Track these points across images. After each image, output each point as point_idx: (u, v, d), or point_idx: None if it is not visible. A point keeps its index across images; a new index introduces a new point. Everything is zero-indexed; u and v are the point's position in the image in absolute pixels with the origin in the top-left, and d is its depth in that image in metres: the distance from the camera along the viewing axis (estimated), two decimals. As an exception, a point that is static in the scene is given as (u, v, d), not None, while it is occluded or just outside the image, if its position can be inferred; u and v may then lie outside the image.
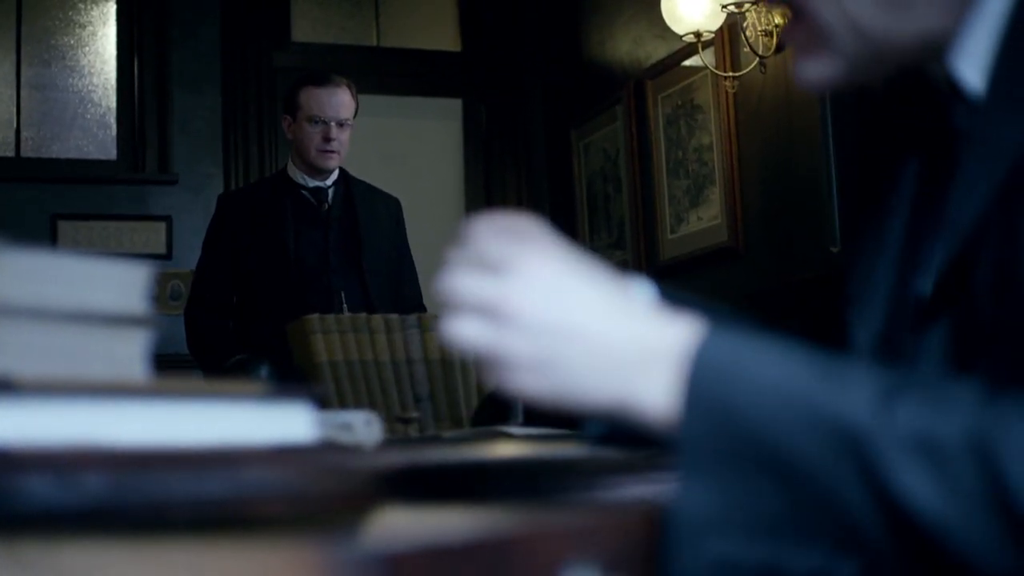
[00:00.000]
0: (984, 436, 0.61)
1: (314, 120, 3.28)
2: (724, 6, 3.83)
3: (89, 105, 4.95)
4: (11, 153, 4.83)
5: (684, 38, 4.02)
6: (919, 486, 0.61)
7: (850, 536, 0.62)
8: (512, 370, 0.69)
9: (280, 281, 3.27)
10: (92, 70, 4.96)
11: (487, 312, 0.69)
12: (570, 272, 0.70)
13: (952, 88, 0.81)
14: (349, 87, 3.34)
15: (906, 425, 0.62)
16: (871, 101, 0.98)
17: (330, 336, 2.23)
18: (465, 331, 0.70)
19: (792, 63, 0.86)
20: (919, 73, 0.85)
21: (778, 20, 3.78)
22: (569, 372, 0.69)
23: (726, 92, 4.04)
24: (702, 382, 0.65)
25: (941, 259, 0.79)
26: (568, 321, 0.68)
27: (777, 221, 3.84)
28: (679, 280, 4.37)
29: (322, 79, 3.33)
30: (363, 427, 1.04)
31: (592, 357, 0.68)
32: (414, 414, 2.14)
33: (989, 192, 0.74)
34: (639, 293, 0.92)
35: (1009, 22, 0.78)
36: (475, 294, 0.70)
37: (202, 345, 3.32)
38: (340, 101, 3.30)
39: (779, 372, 0.64)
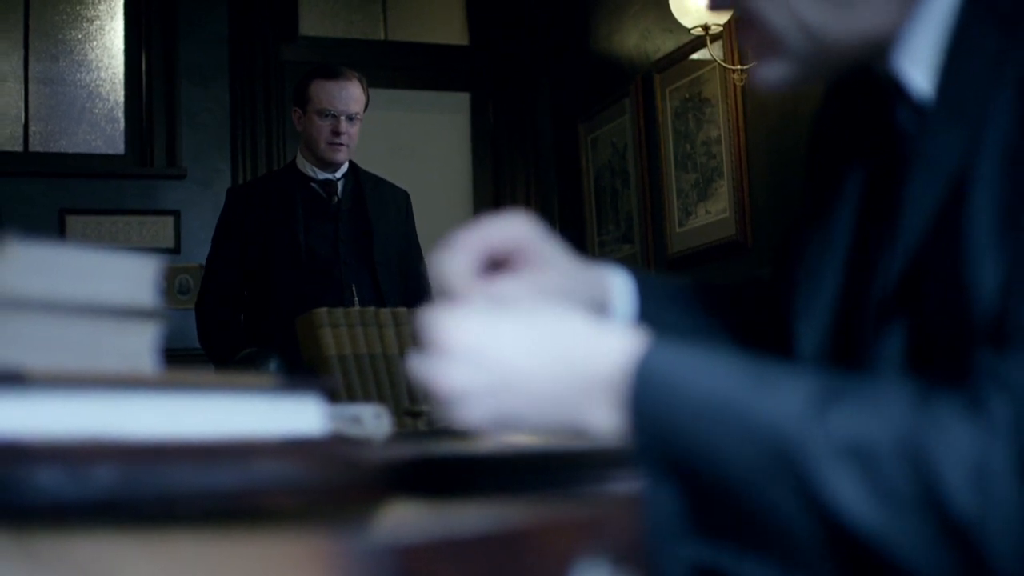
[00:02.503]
0: (916, 440, 0.62)
1: (324, 113, 3.28)
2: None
3: (97, 99, 4.95)
4: (19, 148, 4.84)
5: (692, 31, 4.02)
6: (850, 494, 0.61)
7: (791, 548, 0.63)
8: (461, 404, 0.71)
9: (291, 274, 3.27)
10: (100, 64, 4.96)
11: (433, 347, 0.72)
12: (491, 325, 0.72)
13: (897, 88, 0.82)
14: (360, 81, 3.34)
15: (837, 431, 0.63)
16: (821, 106, 0.99)
17: (339, 330, 2.23)
18: (416, 367, 0.72)
19: (751, 68, 0.87)
20: (867, 74, 0.86)
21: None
22: (515, 419, 0.71)
23: (734, 85, 4.03)
24: (642, 400, 0.67)
25: (895, 268, 0.78)
26: (499, 376, 0.70)
27: (785, 215, 3.84)
28: (687, 274, 4.37)
29: (333, 72, 3.32)
30: (372, 420, 1.05)
31: (534, 397, 0.70)
32: (423, 407, 2.14)
33: (935, 204, 0.75)
34: (614, 281, 0.93)
35: (955, 25, 0.78)
36: (419, 376, 0.72)
37: (214, 339, 3.32)
38: (351, 95, 3.30)
39: (714, 384, 0.66)
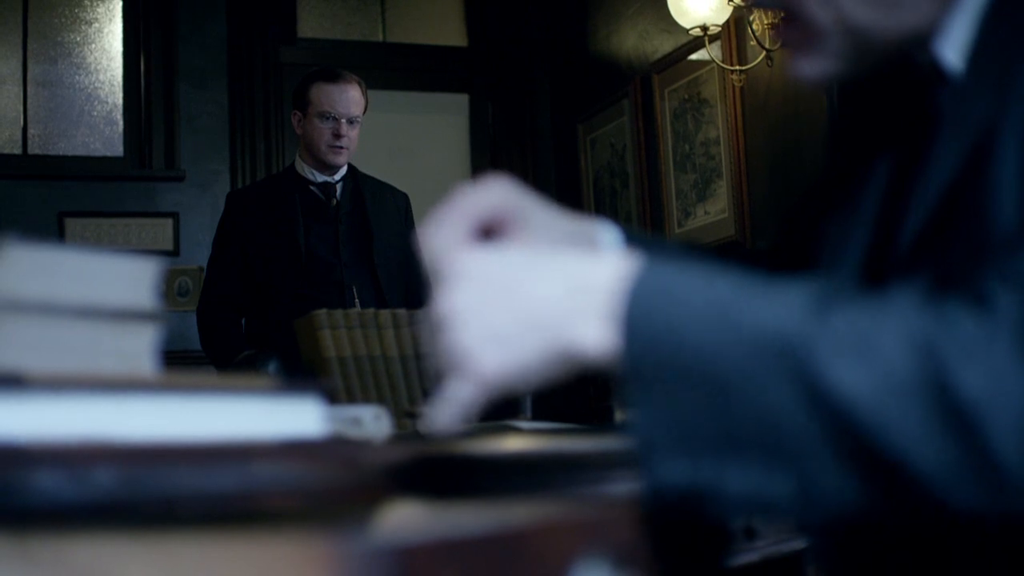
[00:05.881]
0: (921, 331, 0.62)
1: (324, 116, 3.29)
2: (730, 0, 3.82)
3: (96, 102, 4.95)
4: (18, 151, 4.84)
5: (691, 32, 4.02)
6: (852, 381, 0.61)
7: (784, 446, 0.63)
8: (455, 323, 0.71)
9: (292, 276, 3.27)
10: (98, 67, 4.96)
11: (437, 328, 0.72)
12: (488, 249, 0.75)
13: (935, 72, 0.84)
14: (359, 84, 3.34)
15: (840, 328, 0.63)
16: (849, 96, 1.00)
17: (338, 332, 2.23)
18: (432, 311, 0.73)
19: (788, 60, 0.89)
20: (902, 62, 0.87)
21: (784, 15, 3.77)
22: (505, 337, 0.70)
23: (733, 86, 4.03)
24: (636, 310, 0.66)
25: (921, 217, 0.80)
26: (490, 289, 0.71)
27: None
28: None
29: (333, 75, 3.33)
30: (372, 421, 1.05)
31: (522, 317, 0.70)
32: (423, 409, 2.14)
33: (962, 156, 0.76)
34: (603, 236, 0.94)
35: (988, 6, 0.81)
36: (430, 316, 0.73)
37: (216, 344, 3.32)
38: (351, 98, 3.30)
39: (709, 293, 0.66)
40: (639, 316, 0.66)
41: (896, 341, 0.62)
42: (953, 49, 0.82)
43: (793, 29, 0.85)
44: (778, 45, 3.79)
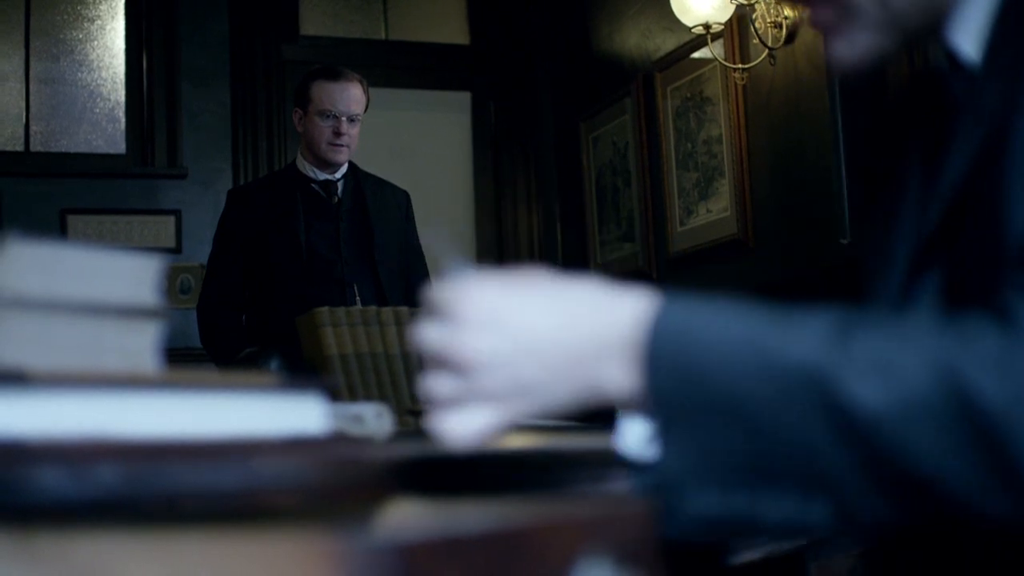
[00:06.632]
0: (942, 352, 0.62)
1: (325, 114, 3.29)
2: (733, -2, 3.82)
3: (98, 99, 4.95)
4: (20, 148, 4.84)
5: (693, 30, 4.01)
6: (877, 401, 0.61)
7: (819, 474, 0.63)
8: (482, 405, 0.71)
9: (292, 274, 3.27)
10: (101, 64, 4.96)
11: (447, 362, 0.71)
12: (508, 293, 0.72)
13: (951, 61, 0.84)
14: (361, 82, 3.34)
15: (862, 355, 0.63)
16: (877, 95, 1.01)
17: (340, 329, 2.23)
18: (434, 386, 0.72)
19: (824, 47, 0.89)
20: (922, 46, 0.88)
21: (787, 12, 3.77)
22: (533, 386, 0.70)
23: (735, 84, 4.02)
24: (658, 350, 0.66)
25: (936, 208, 0.80)
26: (519, 342, 0.70)
27: (787, 213, 3.84)
28: (688, 273, 4.37)
29: (334, 73, 3.33)
30: (374, 419, 1.05)
31: (550, 367, 0.70)
32: (425, 407, 2.14)
33: (976, 148, 0.76)
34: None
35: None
36: (433, 345, 0.71)
37: (216, 341, 3.32)
38: (352, 96, 3.30)
39: (732, 326, 0.66)
40: (661, 356, 0.66)
41: (918, 362, 0.62)
42: (968, 39, 0.82)
43: (826, 8, 0.86)
44: (780, 43, 3.78)
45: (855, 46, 0.85)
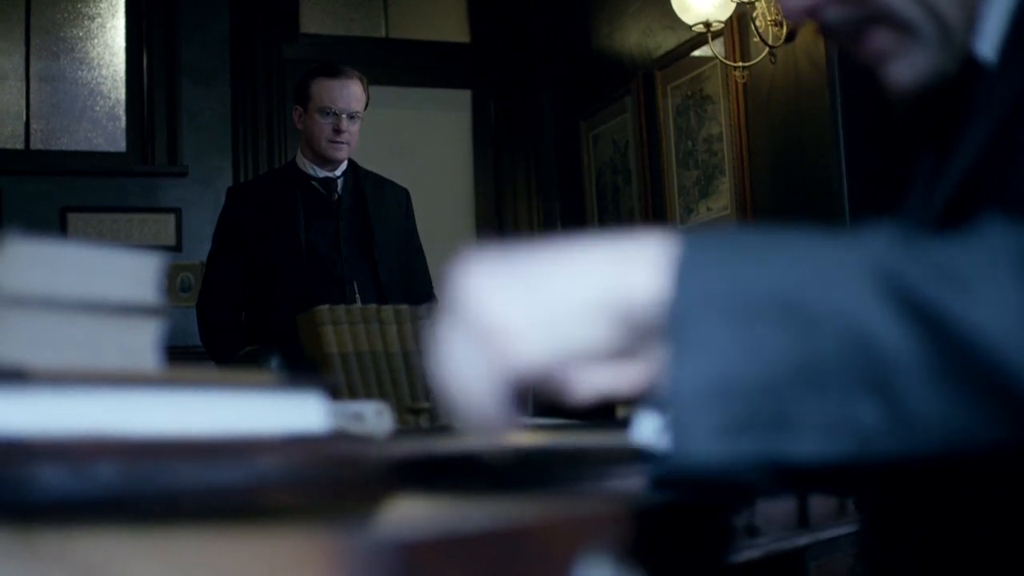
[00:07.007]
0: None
1: (325, 111, 3.29)
2: (734, -4, 3.82)
3: (98, 97, 4.95)
4: (20, 146, 4.84)
5: (693, 28, 4.01)
6: (947, 289, 0.57)
7: (873, 365, 0.57)
8: (488, 300, 0.61)
9: (292, 271, 3.27)
10: (101, 62, 4.96)
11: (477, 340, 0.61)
12: (515, 261, 0.63)
13: (972, 68, 0.84)
14: (360, 79, 3.35)
15: (932, 254, 0.58)
16: (879, 96, 1.00)
17: (340, 327, 2.23)
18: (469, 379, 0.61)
19: (882, 76, 0.86)
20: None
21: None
22: (547, 287, 0.61)
23: (736, 82, 4.02)
24: (697, 251, 0.59)
25: (950, 185, 0.80)
26: (534, 253, 0.62)
27: (787, 211, 3.84)
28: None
29: (334, 71, 3.33)
30: (374, 417, 1.05)
31: (568, 268, 0.61)
32: (425, 404, 2.14)
33: (987, 137, 0.76)
34: None
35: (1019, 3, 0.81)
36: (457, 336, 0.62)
37: (215, 338, 3.32)
38: (352, 93, 3.31)
39: (773, 239, 0.61)
40: (700, 254, 0.59)
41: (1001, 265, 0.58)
42: (988, 43, 0.82)
43: (879, 36, 0.84)
44: (781, 41, 3.78)
45: (916, 67, 0.84)
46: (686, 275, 0.58)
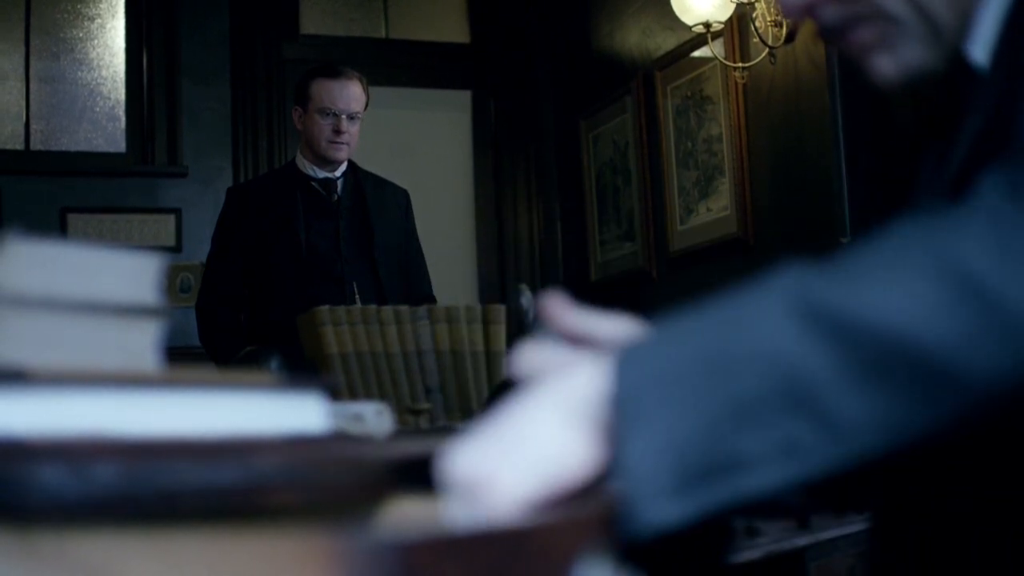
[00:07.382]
0: (929, 236, 0.61)
1: (325, 112, 3.29)
2: (733, -4, 3.82)
3: (98, 98, 4.95)
4: (20, 146, 4.84)
5: (693, 29, 4.01)
6: (861, 297, 0.60)
7: (797, 385, 0.59)
8: (460, 451, 0.63)
9: (292, 272, 3.27)
10: (101, 63, 4.96)
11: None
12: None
13: (966, 71, 0.85)
14: (360, 80, 3.35)
15: (835, 264, 0.62)
16: (880, 96, 1.01)
17: (340, 328, 2.23)
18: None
19: (865, 67, 0.88)
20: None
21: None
22: (508, 436, 0.63)
23: (736, 83, 4.02)
24: (630, 350, 0.62)
25: (951, 170, 0.81)
26: (500, 415, 0.64)
27: (787, 212, 3.84)
28: (688, 272, 4.37)
29: (334, 71, 3.33)
30: (374, 418, 1.05)
31: (528, 410, 0.64)
32: (425, 405, 2.14)
33: (988, 116, 0.78)
34: None
35: (1011, 5, 0.82)
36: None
37: (215, 339, 3.32)
38: (351, 94, 3.31)
39: (703, 310, 0.64)
40: (629, 351, 0.62)
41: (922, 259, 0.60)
42: (981, 48, 0.83)
43: (865, 29, 0.85)
44: (780, 42, 3.78)
45: (899, 61, 0.85)
46: (623, 369, 0.61)
